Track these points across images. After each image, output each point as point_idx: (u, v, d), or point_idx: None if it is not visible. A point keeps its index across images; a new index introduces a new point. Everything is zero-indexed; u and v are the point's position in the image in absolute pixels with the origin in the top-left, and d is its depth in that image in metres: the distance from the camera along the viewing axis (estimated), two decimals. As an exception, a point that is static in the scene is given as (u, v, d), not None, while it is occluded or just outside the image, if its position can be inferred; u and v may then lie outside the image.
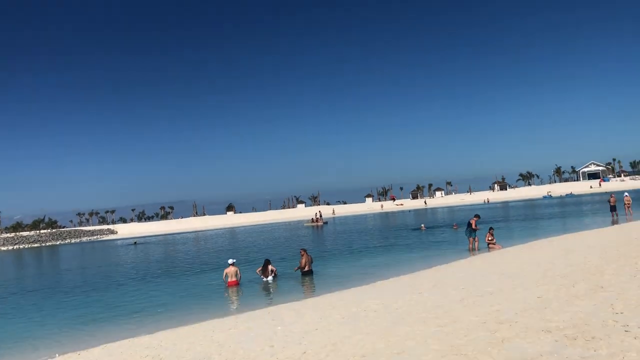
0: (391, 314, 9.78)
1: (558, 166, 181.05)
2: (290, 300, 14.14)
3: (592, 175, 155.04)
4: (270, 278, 19.30)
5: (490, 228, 23.21)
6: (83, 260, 44.66)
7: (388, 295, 12.30)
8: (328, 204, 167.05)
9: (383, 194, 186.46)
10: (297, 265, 20.07)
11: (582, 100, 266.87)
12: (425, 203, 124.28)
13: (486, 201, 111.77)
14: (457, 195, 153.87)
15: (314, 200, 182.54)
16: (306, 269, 19.57)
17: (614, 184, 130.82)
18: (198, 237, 66.67)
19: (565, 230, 27.09)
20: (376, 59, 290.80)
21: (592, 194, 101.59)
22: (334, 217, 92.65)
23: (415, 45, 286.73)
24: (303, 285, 18.10)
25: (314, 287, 17.37)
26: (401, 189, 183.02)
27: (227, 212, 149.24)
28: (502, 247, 21.81)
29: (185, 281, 21.76)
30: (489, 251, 21.33)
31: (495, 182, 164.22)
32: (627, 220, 28.77)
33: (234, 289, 18.23)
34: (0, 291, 24.78)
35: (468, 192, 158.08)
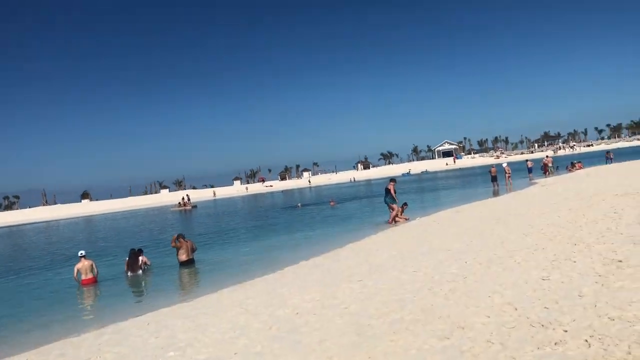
0: (342, 317, 6.99)
1: (415, 145, 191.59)
2: (176, 302, 10.74)
3: (447, 154, 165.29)
4: (139, 272, 15.61)
5: (404, 204, 21.32)
6: None
7: (315, 286, 9.46)
8: (194, 188, 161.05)
9: (252, 176, 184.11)
10: (171, 255, 16.54)
11: (436, 84, 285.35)
12: (310, 182, 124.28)
13: (352, 180, 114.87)
14: (324, 175, 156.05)
15: (179, 185, 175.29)
16: (184, 258, 16.08)
17: (466, 161, 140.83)
18: (49, 226, 59.10)
19: (462, 200, 26.21)
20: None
21: (447, 171, 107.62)
22: (215, 199, 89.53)
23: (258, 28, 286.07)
24: (187, 280, 14.62)
25: (202, 281, 13.89)
26: (269, 170, 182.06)
27: (83, 200, 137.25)
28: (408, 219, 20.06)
29: (24, 283, 17.07)
30: (395, 224, 19.42)
31: (358, 162, 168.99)
32: (507, 190, 28.88)
33: (91, 289, 14.29)
34: None
35: (334, 171, 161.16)
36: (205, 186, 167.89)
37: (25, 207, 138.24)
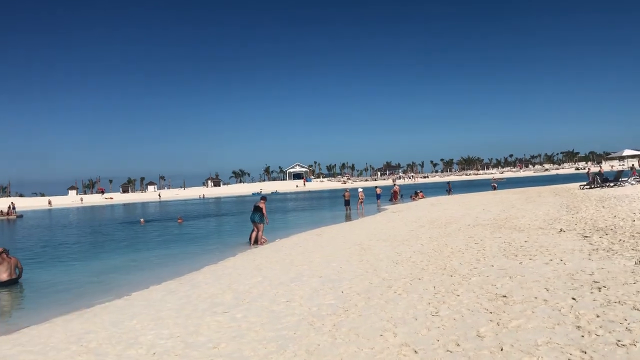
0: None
1: (267, 166, 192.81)
2: (11, 329, 8.55)
3: (297, 176, 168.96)
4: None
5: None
6: None
7: (172, 317, 8.03)
8: (21, 195, 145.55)
9: (90, 187, 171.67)
10: None
11: (290, 106, 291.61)
12: (160, 196, 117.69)
13: (202, 196, 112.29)
14: (172, 190, 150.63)
15: (4, 191, 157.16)
16: (5, 277, 13.46)
17: (316, 184, 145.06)
18: None
19: (319, 222, 25.98)
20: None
21: (296, 192, 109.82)
22: (51, 209, 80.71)
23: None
24: (8, 304, 12.01)
25: (28, 307, 11.40)
26: (110, 181, 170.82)
27: None
28: (267, 240, 19.10)
29: None
30: (255, 246, 18.35)
31: (209, 179, 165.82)
32: (359, 215, 29.52)
33: None
34: None
35: (182, 187, 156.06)
36: (35, 194, 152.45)
37: None
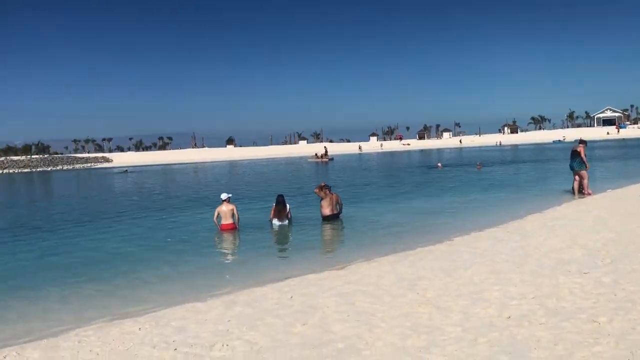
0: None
1: (572, 111, 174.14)
2: (323, 267, 8.68)
3: (608, 122, 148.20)
4: (286, 222, 13.94)
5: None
6: (62, 188, 39.49)
7: (514, 272, 6.78)
8: (331, 141, 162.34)
9: (389, 133, 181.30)
10: (312, 208, 14.65)
11: (600, 43, 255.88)
12: (461, 142, 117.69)
13: (498, 143, 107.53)
14: (467, 137, 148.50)
15: (317, 137, 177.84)
16: (328, 212, 14.15)
17: (631, 131, 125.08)
18: (196, 168, 61.82)
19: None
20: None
21: (607, 140, 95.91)
22: (361, 154, 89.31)
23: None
24: (332, 239, 12.65)
25: (350, 243, 11.69)
26: (407, 129, 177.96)
27: (227, 145, 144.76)
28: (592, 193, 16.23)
29: (167, 220, 16.32)
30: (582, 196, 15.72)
31: (505, 125, 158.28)
32: None
33: (230, 235, 12.91)
34: None
35: (477, 134, 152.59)
36: (342, 140, 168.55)
37: (177, 149, 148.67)
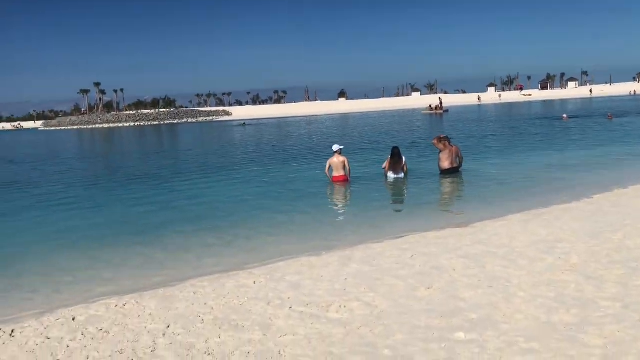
0: None
1: None
2: (443, 225, 7.96)
3: None
4: (401, 175, 13.34)
5: None
6: (186, 140, 41.65)
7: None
8: (445, 92, 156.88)
9: (508, 84, 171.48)
10: (429, 161, 13.83)
11: None
12: (591, 91, 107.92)
13: (632, 92, 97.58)
14: (595, 87, 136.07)
15: (430, 89, 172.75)
16: (447, 165, 13.28)
17: None
18: (309, 121, 62.50)
19: None
20: None
21: None
22: (480, 105, 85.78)
23: None
24: (451, 194, 11.82)
25: (470, 198, 10.81)
26: (529, 78, 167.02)
27: (339, 99, 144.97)
28: None
29: (276, 172, 16.32)
30: None
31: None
32: None
33: (341, 188, 12.57)
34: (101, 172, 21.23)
35: (607, 83, 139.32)
36: (457, 91, 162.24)
37: (291, 102, 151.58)
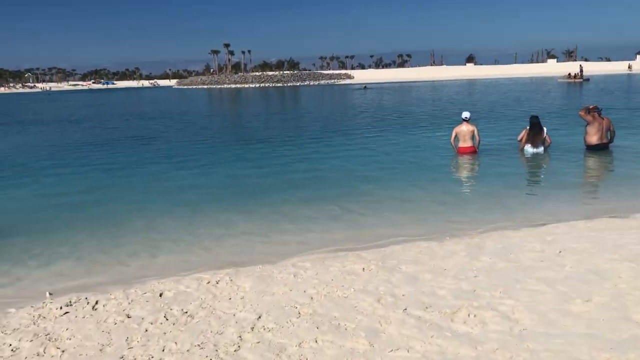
0: None
1: None
2: (607, 212, 6.59)
3: None
4: (541, 149, 11.72)
5: None
6: (308, 102, 41.61)
7: None
8: (586, 59, 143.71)
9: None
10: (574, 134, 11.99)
11: None
12: None
13: None
14: None
15: (569, 56, 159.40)
16: (595, 140, 11.41)
17: None
18: (434, 86, 59.97)
19: None
20: None
21: None
22: (630, 74, 77.67)
23: None
24: (598, 173, 10.11)
25: (623, 178, 9.13)
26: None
27: (467, 64, 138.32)
28: None
29: (401, 139, 15.22)
30: None
31: None
32: None
33: (468, 160, 11.27)
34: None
35: None
36: (600, 59, 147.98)
37: (415, 66, 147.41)
